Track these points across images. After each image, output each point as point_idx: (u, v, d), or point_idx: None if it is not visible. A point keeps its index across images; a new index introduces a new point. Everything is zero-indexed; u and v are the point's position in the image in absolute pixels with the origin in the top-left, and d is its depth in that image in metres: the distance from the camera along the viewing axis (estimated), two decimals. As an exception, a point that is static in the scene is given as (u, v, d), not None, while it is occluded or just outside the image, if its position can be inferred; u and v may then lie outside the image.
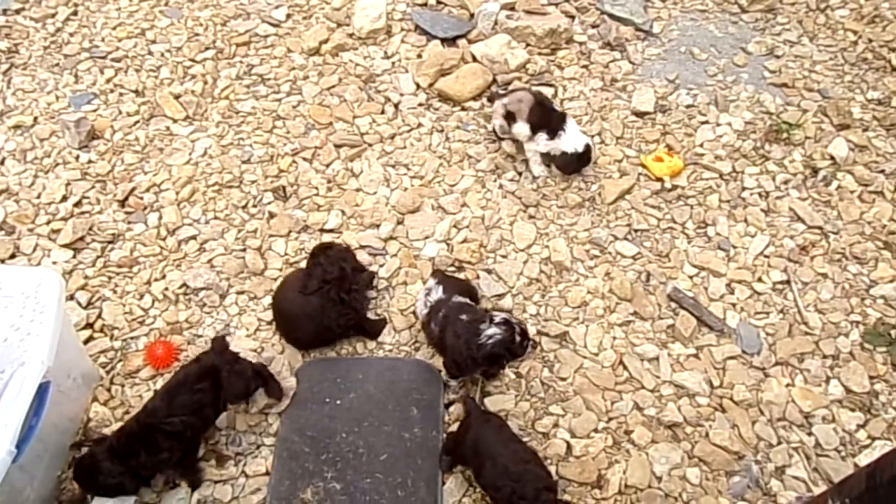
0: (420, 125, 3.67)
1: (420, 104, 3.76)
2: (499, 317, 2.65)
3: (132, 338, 2.94)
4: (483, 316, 2.68)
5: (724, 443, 2.68)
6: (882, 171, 3.48)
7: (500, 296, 3.06)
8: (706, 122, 3.70)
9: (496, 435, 2.49)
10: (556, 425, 2.74)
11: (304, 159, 3.52)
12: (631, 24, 4.14)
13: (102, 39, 3.99)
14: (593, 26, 4.14)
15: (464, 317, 2.69)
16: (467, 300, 2.83)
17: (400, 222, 3.31)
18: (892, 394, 2.80)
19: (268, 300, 3.06)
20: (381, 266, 3.17)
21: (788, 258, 3.19)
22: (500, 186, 3.44)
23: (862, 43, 4.04)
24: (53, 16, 4.09)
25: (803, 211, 3.34)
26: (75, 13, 4.12)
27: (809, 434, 2.71)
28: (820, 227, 3.29)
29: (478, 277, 3.11)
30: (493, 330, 2.60)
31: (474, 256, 3.16)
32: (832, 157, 3.53)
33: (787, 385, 2.83)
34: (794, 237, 3.27)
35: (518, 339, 2.64)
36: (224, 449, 2.67)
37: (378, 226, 3.28)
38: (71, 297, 3.00)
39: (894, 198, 3.39)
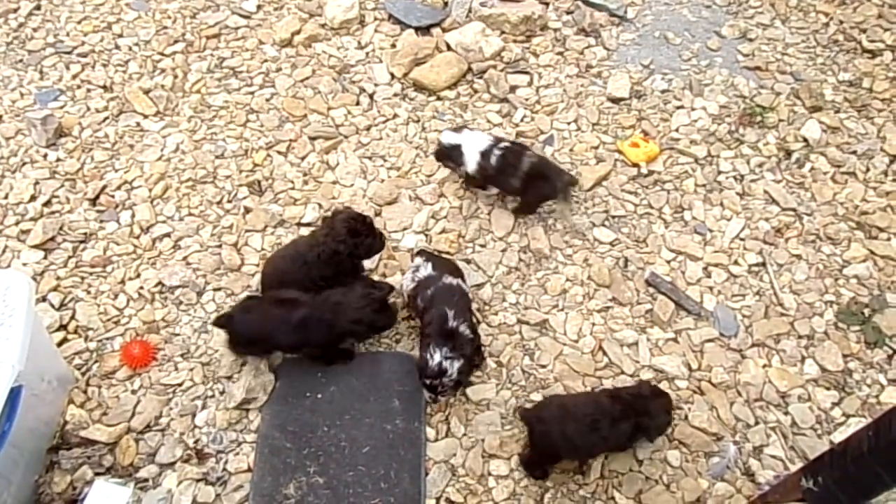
0: (396, 116, 3.64)
1: (395, 94, 3.73)
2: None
3: (107, 338, 2.90)
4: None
5: (703, 425, 2.71)
6: (854, 153, 3.52)
7: (480, 285, 3.06)
8: (681, 107, 3.72)
9: None
10: (537, 413, 2.75)
11: (279, 153, 3.48)
12: (605, 10, 4.13)
13: (67, 34, 3.90)
14: (568, 13, 4.12)
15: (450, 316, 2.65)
16: (459, 281, 2.81)
17: (378, 214, 3.28)
18: (866, 372, 2.86)
19: (245, 296, 3.03)
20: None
21: (764, 240, 3.23)
22: (478, 176, 3.43)
23: (833, 25, 4.07)
24: (16, 10, 3.98)
25: (778, 193, 3.38)
26: (38, 7, 4.01)
27: (786, 413, 2.76)
28: (794, 209, 3.33)
29: (457, 268, 3.10)
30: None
31: (453, 247, 3.16)
32: (805, 140, 3.56)
33: (764, 366, 2.88)
34: (769, 219, 3.30)
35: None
36: (205, 447, 2.65)
37: (355, 218, 3.25)
38: (43, 299, 2.94)
39: (866, 178, 3.44)
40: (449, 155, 3.23)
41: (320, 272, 2.78)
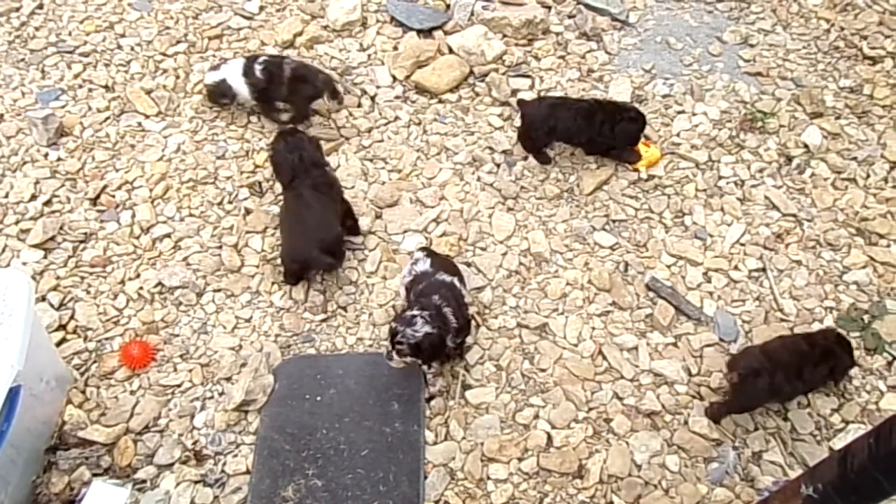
0: (397, 118, 3.64)
1: (397, 97, 3.73)
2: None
3: (107, 338, 2.89)
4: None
5: (703, 430, 2.71)
6: (854, 159, 3.53)
7: (480, 288, 3.06)
8: (682, 112, 3.72)
9: None
10: (536, 416, 2.75)
11: (280, 154, 3.48)
12: (607, 14, 4.14)
13: (69, 33, 3.89)
14: (570, 16, 4.13)
15: (436, 297, 2.68)
16: (454, 280, 2.80)
17: (378, 216, 3.28)
18: (866, 378, 2.86)
19: (245, 297, 3.03)
20: (361, 261, 3.15)
21: (764, 246, 3.23)
22: (479, 179, 3.43)
23: (834, 31, 4.07)
24: (18, 10, 3.97)
25: (778, 199, 3.38)
26: (41, 6, 4.01)
27: (785, 419, 2.75)
28: (794, 215, 3.33)
29: (457, 271, 3.10)
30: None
31: (453, 250, 3.15)
32: (806, 146, 3.57)
33: (764, 371, 2.87)
34: (770, 225, 3.30)
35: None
36: (204, 448, 2.65)
37: (356, 220, 3.25)
38: (42, 299, 2.94)
39: (867, 185, 3.44)
40: (221, 92, 3.48)
41: None
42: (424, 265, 2.82)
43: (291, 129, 3.33)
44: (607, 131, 3.31)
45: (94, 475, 2.54)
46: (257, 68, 3.40)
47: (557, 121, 3.32)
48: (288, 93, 3.44)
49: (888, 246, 3.23)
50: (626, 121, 3.33)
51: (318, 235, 2.90)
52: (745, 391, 2.62)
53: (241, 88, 3.44)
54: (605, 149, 3.43)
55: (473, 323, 2.93)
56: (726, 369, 2.74)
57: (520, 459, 2.65)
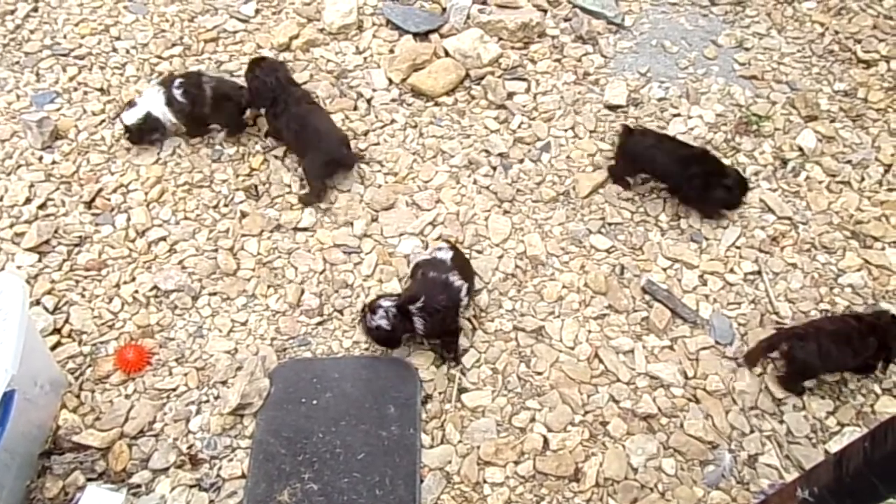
0: (393, 121, 3.64)
1: (393, 100, 3.73)
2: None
3: (102, 342, 2.88)
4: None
5: (699, 433, 2.71)
6: (849, 162, 3.54)
7: (477, 292, 3.06)
8: (678, 115, 3.73)
9: None
10: (532, 420, 2.75)
11: (276, 157, 3.47)
12: (603, 18, 4.15)
13: (64, 36, 3.88)
14: (565, 20, 4.14)
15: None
16: (463, 283, 2.83)
17: (374, 220, 3.28)
18: (861, 381, 2.86)
19: (241, 301, 3.02)
20: (357, 264, 3.15)
21: (759, 249, 3.24)
22: (475, 182, 3.43)
23: (828, 35, 4.09)
24: (13, 12, 3.96)
25: (773, 202, 3.39)
26: (36, 9, 4.00)
27: (781, 422, 2.76)
28: (789, 218, 3.34)
29: (453, 274, 3.10)
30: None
31: (450, 253, 3.15)
32: (801, 149, 3.58)
33: (760, 374, 2.88)
34: (765, 228, 3.31)
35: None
36: (199, 452, 2.64)
37: (352, 224, 3.25)
38: (37, 303, 2.92)
39: (861, 188, 3.46)
40: (150, 128, 3.35)
41: None
42: (444, 255, 2.89)
43: (261, 57, 3.49)
44: (698, 187, 3.19)
45: (89, 480, 2.52)
46: (177, 93, 3.29)
47: (654, 161, 3.27)
48: (211, 112, 3.39)
49: (883, 249, 3.24)
50: (721, 189, 3.20)
51: (337, 135, 3.30)
52: (797, 356, 2.73)
53: (168, 116, 3.32)
54: (689, 199, 3.31)
55: (469, 326, 2.94)
56: (772, 343, 2.83)
57: (516, 463, 2.65)
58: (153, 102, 3.29)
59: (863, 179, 3.48)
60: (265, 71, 3.32)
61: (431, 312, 2.71)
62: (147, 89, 3.39)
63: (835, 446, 2.67)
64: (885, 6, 4.23)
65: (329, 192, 3.31)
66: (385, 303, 2.74)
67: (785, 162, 3.54)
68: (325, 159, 3.24)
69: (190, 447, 2.65)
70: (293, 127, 3.27)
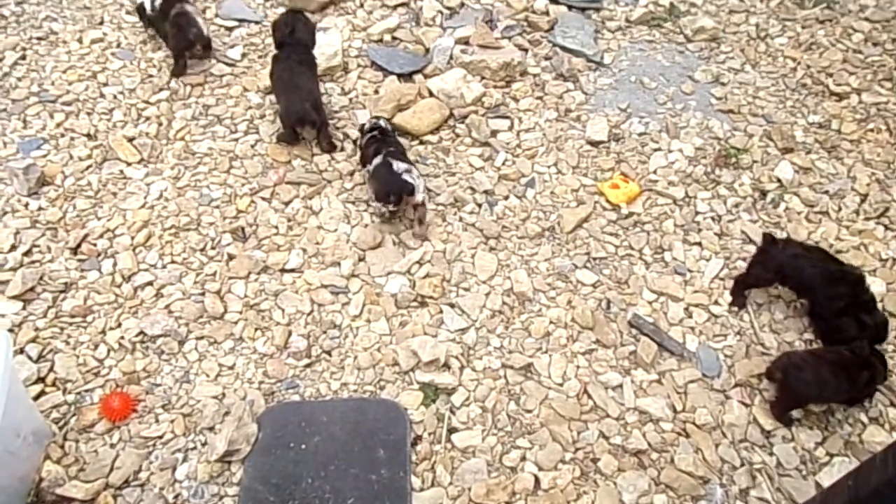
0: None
1: (378, 140, 3.77)
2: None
3: (86, 390, 2.85)
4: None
5: (689, 468, 2.71)
6: (826, 192, 3.62)
7: (464, 330, 3.07)
8: (658, 149, 3.81)
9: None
10: (523, 458, 2.73)
11: (263, 199, 3.50)
12: (582, 56, 4.26)
13: (52, 83, 3.92)
14: (546, 58, 4.24)
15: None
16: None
17: (361, 259, 3.30)
18: (848, 410, 2.88)
19: (228, 344, 3.01)
20: (344, 305, 3.15)
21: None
22: (461, 219, 3.47)
23: (801, 69, 4.22)
24: (0, 60, 4.01)
25: (754, 233, 3.44)
26: (23, 57, 4.05)
27: (771, 454, 2.76)
28: (771, 249, 3.39)
29: (441, 312, 3.11)
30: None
31: (437, 291, 3.17)
32: (779, 180, 3.66)
33: (747, 406, 2.89)
34: (747, 259, 3.35)
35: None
36: (186, 502, 2.59)
37: (339, 263, 3.26)
38: (21, 351, 2.89)
39: (839, 217, 3.53)
40: (140, 13, 4.21)
41: None
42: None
43: (296, 11, 3.95)
44: (835, 307, 2.96)
45: (73, 534, 2.48)
46: (157, 2, 4.00)
47: (791, 272, 3.08)
48: (167, 32, 3.97)
49: (863, 277, 3.29)
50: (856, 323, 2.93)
51: (311, 97, 3.62)
52: (792, 385, 2.78)
53: (148, 11, 4.08)
54: (821, 317, 3.08)
55: (458, 364, 2.94)
56: (768, 374, 2.91)
57: (507, 503, 2.62)
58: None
59: (840, 209, 3.55)
60: (287, 21, 3.77)
61: None
62: None
63: (825, 477, 2.68)
64: (854, 41, 4.38)
65: (302, 143, 3.71)
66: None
67: (764, 193, 3.62)
68: (289, 111, 3.62)
69: (176, 496, 2.60)
70: (283, 75, 3.67)
